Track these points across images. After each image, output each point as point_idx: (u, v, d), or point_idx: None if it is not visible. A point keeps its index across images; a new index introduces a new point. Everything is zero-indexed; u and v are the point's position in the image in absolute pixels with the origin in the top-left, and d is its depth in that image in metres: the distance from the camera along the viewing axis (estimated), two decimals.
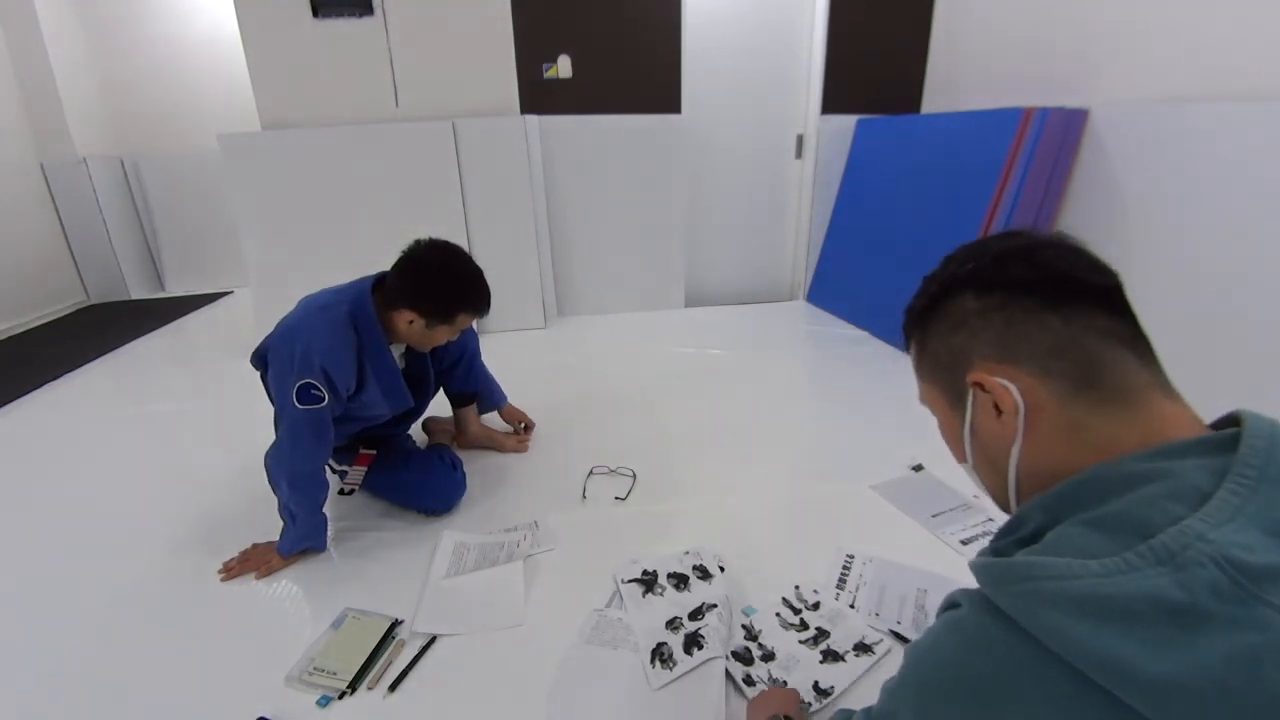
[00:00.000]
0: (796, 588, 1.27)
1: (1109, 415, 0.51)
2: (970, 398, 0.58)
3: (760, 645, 1.14)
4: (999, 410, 0.55)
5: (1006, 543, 0.55)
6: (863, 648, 1.13)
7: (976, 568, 0.49)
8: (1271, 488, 0.43)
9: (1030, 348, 0.54)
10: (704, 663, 1.08)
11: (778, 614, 1.21)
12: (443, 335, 1.46)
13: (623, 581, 1.29)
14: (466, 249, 1.45)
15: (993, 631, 0.45)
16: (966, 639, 0.47)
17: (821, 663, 1.10)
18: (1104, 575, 0.40)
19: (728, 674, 1.07)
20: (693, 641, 1.12)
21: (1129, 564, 0.40)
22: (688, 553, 1.36)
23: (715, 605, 1.20)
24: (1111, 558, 0.41)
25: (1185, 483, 0.44)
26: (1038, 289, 0.54)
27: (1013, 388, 0.54)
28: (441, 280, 1.39)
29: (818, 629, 1.17)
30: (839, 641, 1.14)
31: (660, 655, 1.10)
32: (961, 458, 0.64)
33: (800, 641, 1.15)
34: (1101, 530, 0.44)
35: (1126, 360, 0.52)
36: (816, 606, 1.22)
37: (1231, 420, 0.50)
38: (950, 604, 0.52)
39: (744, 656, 1.11)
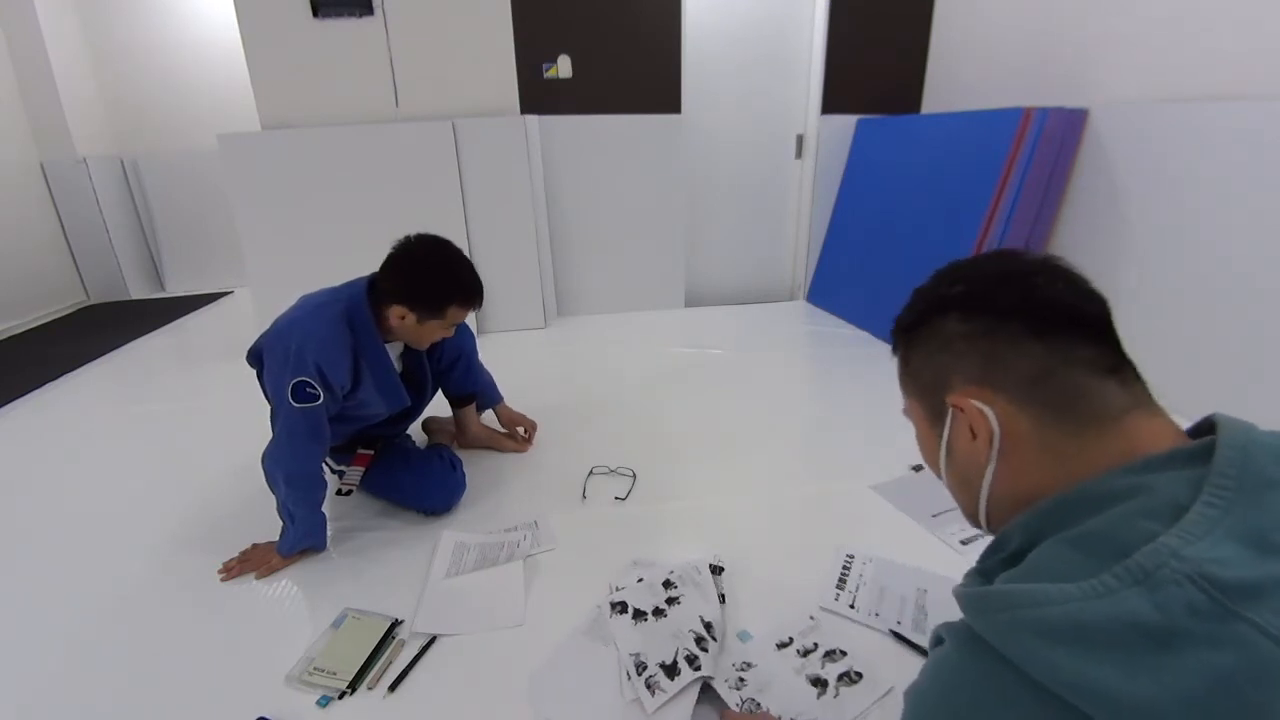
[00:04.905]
0: (812, 618, 1.19)
1: (1086, 440, 0.51)
2: (949, 417, 0.59)
3: (749, 665, 1.09)
4: (974, 433, 0.56)
5: (992, 562, 0.55)
6: (851, 677, 1.06)
7: (959, 596, 0.49)
8: (1248, 498, 0.42)
9: (1012, 375, 0.54)
10: (692, 682, 1.04)
11: (778, 643, 1.14)
12: (435, 331, 1.44)
13: (611, 613, 1.21)
14: (466, 249, 1.44)
15: (977, 663, 0.45)
16: (952, 675, 0.48)
17: (817, 697, 1.03)
18: (1082, 600, 0.40)
19: (708, 685, 1.04)
20: (685, 661, 1.07)
21: (1106, 586, 0.40)
22: (673, 571, 1.30)
23: (711, 624, 1.15)
24: (1089, 580, 0.41)
25: (1161, 498, 0.44)
26: (1024, 316, 0.53)
27: (990, 413, 0.54)
28: (430, 273, 1.38)
29: (823, 654, 1.11)
30: (830, 670, 1.08)
31: (644, 672, 1.06)
32: (937, 472, 0.65)
33: (794, 671, 1.08)
34: (1081, 550, 0.44)
35: (1108, 387, 0.52)
36: (817, 647, 1.14)
37: (1208, 426, 0.50)
38: (937, 639, 0.52)
39: (732, 682, 1.06)
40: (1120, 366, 0.53)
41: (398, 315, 1.39)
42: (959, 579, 0.56)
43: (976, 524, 0.62)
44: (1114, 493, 0.47)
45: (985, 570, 0.54)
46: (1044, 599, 0.42)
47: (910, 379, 0.64)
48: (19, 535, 1.60)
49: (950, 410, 0.58)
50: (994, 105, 2.54)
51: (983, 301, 0.56)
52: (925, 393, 0.62)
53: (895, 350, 0.66)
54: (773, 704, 1.02)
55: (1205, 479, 0.43)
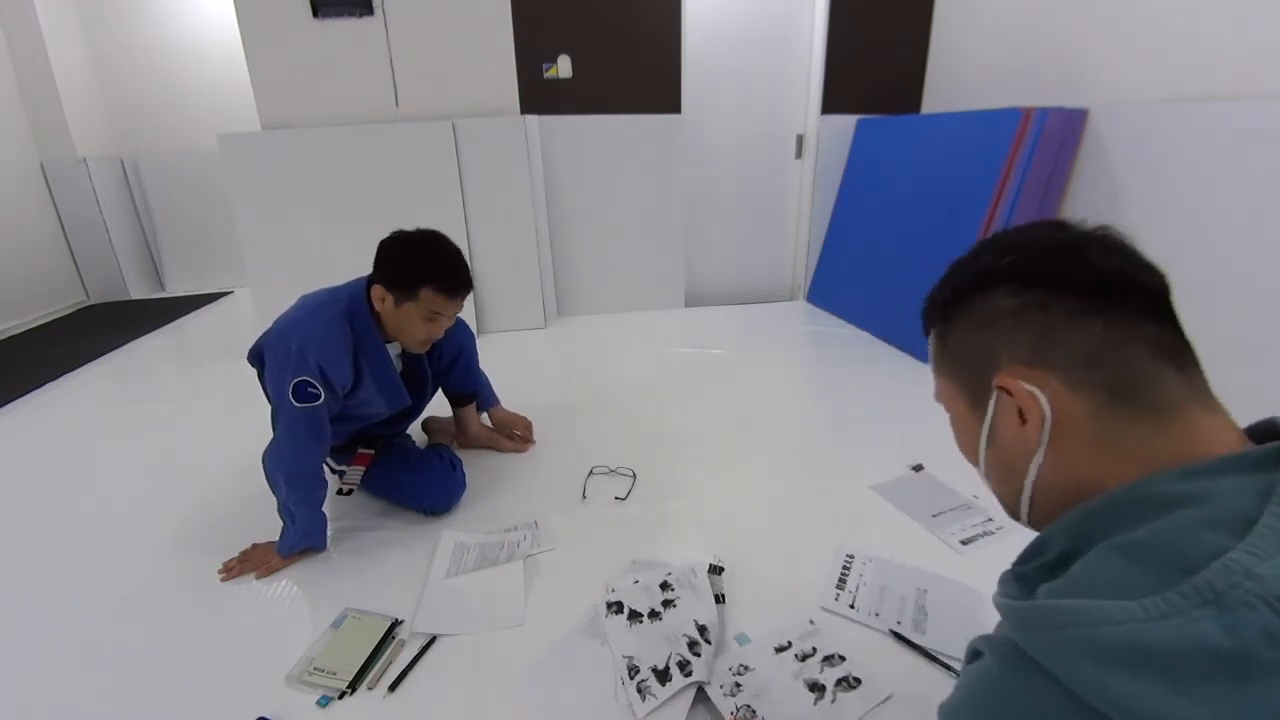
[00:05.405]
0: (811, 622, 1.18)
1: (1143, 430, 0.48)
2: (993, 401, 0.54)
3: (746, 669, 1.08)
4: (1023, 418, 0.52)
5: (1030, 568, 0.51)
6: (850, 683, 1.04)
7: (1002, 608, 0.46)
8: None
9: (1066, 354, 0.50)
10: (684, 687, 1.03)
11: (776, 647, 1.12)
12: (414, 319, 1.39)
13: (607, 613, 1.21)
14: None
15: (1023, 683, 0.42)
16: (994, 695, 0.44)
17: (814, 703, 1.02)
18: (1145, 620, 0.37)
19: (701, 690, 1.04)
20: (678, 666, 1.07)
21: (1171, 606, 0.37)
22: (670, 573, 1.30)
23: (705, 628, 1.14)
24: (1151, 598, 0.37)
25: (1226, 507, 0.40)
26: (1083, 289, 0.49)
27: (1042, 396, 0.50)
28: (409, 253, 1.38)
29: (822, 659, 1.10)
30: (828, 676, 1.06)
31: (636, 675, 1.06)
32: (974, 461, 0.60)
33: (792, 675, 1.07)
34: (1136, 561, 0.41)
35: (1167, 372, 0.48)
36: (815, 651, 1.12)
37: (1270, 429, 0.46)
38: (974, 653, 0.49)
39: (727, 688, 1.05)
40: (1180, 349, 0.50)
41: (378, 297, 1.38)
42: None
43: (1016, 517, 0.58)
44: (1171, 497, 0.43)
45: (1023, 576, 0.51)
46: (1102, 617, 0.38)
47: (947, 359, 0.59)
48: (19, 535, 1.60)
49: (995, 393, 0.54)
50: (994, 105, 2.54)
51: (1037, 273, 0.52)
52: (966, 374, 0.57)
53: (928, 329, 0.61)
54: (769, 709, 1.01)
55: (1274, 488, 0.40)
